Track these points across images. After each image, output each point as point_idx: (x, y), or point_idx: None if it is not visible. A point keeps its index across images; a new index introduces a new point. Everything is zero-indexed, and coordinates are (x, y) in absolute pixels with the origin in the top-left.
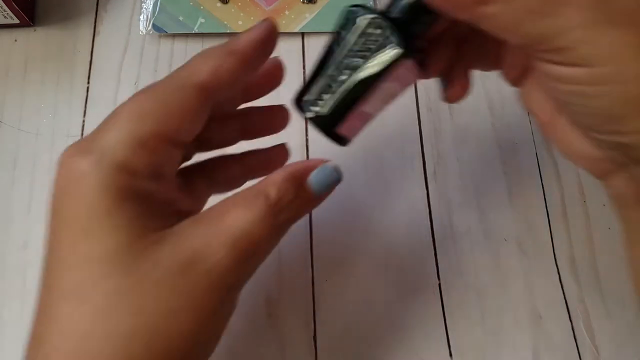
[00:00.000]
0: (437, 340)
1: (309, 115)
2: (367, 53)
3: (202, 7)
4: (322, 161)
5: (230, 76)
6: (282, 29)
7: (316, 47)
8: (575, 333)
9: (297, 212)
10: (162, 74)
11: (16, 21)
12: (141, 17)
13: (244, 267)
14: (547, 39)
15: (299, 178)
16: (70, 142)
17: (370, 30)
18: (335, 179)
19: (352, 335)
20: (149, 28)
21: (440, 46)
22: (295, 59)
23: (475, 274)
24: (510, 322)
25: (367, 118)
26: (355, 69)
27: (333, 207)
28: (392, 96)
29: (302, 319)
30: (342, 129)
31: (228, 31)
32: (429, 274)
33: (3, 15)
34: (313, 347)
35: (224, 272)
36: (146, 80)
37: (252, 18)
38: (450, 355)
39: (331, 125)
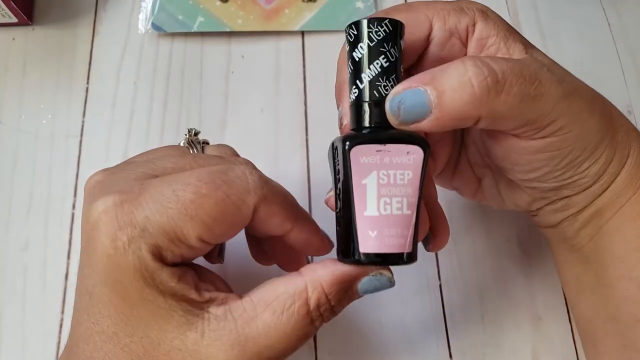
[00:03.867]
0: (438, 340)
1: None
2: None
3: (201, 6)
4: (377, 268)
5: (272, 230)
6: (281, 28)
7: (316, 45)
8: (575, 335)
9: (333, 312)
10: (161, 73)
11: (14, 20)
12: (140, 16)
13: None
14: (538, 119)
15: (349, 283)
16: (70, 142)
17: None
18: (388, 287)
19: (352, 335)
20: (148, 27)
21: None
22: (295, 58)
23: (476, 274)
24: (510, 323)
25: (394, 220)
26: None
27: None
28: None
29: None
30: (365, 247)
31: (227, 30)
32: (430, 274)
33: (1, 14)
34: (313, 347)
35: None
36: (146, 80)
37: (251, 17)
38: (450, 356)
39: (348, 254)
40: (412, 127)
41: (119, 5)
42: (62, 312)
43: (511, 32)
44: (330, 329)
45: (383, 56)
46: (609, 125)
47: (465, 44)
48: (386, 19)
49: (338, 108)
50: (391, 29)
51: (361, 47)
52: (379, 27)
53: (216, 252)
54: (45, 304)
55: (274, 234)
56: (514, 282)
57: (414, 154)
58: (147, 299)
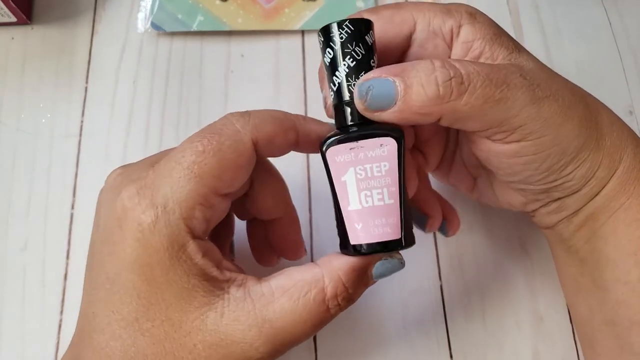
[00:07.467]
0: (438, 341)
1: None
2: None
3: (201, 5)
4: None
5: (283, 148)
6: (282, 27)
7: (316, 45)
8: (576, 335)
9: (351, 300)
10: (160, 72)
11: (13, 19)
12: (139, 16)
13: (276, 355)
14: (504, 122)
15: (364, 269)
16: (69, 142)
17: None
18: (400, 269)
19: (352, 335)
20: (148, 26)
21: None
22: (295, 57)
23: (477, 274)
24: (511, 323)
25: (379, 211)
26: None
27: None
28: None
29: None
30: (355, 239)
31: (227, 29)
32: (431, 274)
33: (0, 13)
34: (313, 347)
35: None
36: (145, 79)
37: (251, 16)
38: (451, 356)
39: (345, 246)
40: (375, 116)
41: (118, 5)
42: (61, 312)
43: (498, 36)
44: (330, 330)
45: (349, 56)
46: (593, 129)
47: (450, 46)
48: (347, 20)
49: (321, 91)
50: (352, 29)
51: (329, 51)
52: (340, 29)
53: (228, 248)
54: (44, 304)
55: (271, 206)
56: (515, 282)
57: (387, 145)
58: (172, 279)
